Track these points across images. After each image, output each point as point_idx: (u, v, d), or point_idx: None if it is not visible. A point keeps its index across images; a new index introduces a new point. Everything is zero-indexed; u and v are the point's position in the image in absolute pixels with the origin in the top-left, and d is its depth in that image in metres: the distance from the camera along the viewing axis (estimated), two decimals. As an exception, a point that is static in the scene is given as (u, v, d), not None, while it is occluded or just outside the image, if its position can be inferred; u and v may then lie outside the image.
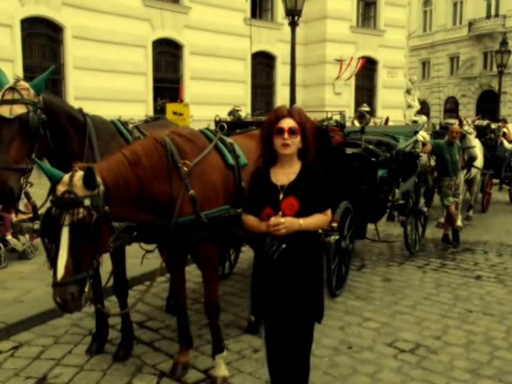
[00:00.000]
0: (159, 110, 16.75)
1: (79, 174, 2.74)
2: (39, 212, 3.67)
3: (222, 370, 3.72)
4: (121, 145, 3.82)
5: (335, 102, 21.08)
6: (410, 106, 22.74)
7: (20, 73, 13.08)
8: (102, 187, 2.81)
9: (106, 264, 3.42)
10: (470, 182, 9.49)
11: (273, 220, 2.67)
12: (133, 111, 10.91)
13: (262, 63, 21.88)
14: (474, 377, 3.87)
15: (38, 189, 3.70)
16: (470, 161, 8.58)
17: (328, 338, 4.46)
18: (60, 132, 3.62)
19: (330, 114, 5.92)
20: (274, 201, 2.76)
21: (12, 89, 3.42)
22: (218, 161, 3.67)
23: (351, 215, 5.70)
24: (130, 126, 4.21)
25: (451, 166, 7.65)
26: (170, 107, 15.45)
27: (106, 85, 16.02)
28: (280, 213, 2.70)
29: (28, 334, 4.53)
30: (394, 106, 22.70)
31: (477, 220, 9.98)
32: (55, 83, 15.57)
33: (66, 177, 2.75)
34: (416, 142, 7.57)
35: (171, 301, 4.97)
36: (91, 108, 4.25)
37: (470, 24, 35.10)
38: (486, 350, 4.31)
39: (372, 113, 18.06)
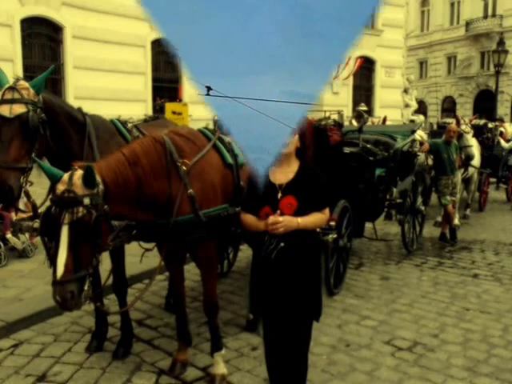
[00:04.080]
0: (158, 110, 16.73)
1: (79, 173, 2.76)
2: (39, 211, 3.69)
3: (220, 368, 3.73)
4: (120, 144, 3.83)
5: (333, 101, 21.01)
6: (407, 106, 22.73)
7: (20, 73, 13.06)
8: (101, 186, 2.83)
9: (105, 262, 3.43)
10: (467, 181, 9.52)
11: (271, 219, 2.69)
12: (132, 111, 10.90)
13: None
14: (471, 374, 3.89)
15: (37, 188, 3.72)
16: (467, 160, 8.60)
17: (326, 336, 4.48)
18: (60, 131, 3.63)
19: (328, 114, 5.95)
20: (272, 200, 2.78)
21: (12, 88, 3.43)
22: (216, 160, 3.69)
23: (349, 214, 5.72)
24: (130, 125, 4.22)
25: (449, 165, 7.68)
26: (169, 107, 15.44)
27: (106, 84, 16.00)
28: (278, 211, 2.72)
29: (28, 332, 4.55)
30: (391, 106, 22.70)
31: (474, 219, 10.01)
32: (55, 83, 15.54)
33: (66, 176, 2.77)
34: (414, 141, 7.59)
35: (170, 299, 4.99)
36: (91, 107, 4.25)
37: (468, 24, 35.05)
38: (483, 348, 4.34)
39: (370, 112, 18.07)
